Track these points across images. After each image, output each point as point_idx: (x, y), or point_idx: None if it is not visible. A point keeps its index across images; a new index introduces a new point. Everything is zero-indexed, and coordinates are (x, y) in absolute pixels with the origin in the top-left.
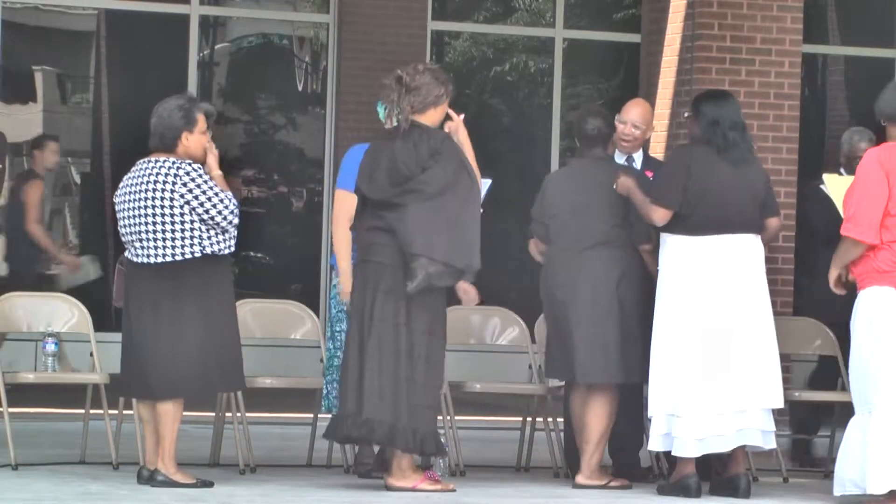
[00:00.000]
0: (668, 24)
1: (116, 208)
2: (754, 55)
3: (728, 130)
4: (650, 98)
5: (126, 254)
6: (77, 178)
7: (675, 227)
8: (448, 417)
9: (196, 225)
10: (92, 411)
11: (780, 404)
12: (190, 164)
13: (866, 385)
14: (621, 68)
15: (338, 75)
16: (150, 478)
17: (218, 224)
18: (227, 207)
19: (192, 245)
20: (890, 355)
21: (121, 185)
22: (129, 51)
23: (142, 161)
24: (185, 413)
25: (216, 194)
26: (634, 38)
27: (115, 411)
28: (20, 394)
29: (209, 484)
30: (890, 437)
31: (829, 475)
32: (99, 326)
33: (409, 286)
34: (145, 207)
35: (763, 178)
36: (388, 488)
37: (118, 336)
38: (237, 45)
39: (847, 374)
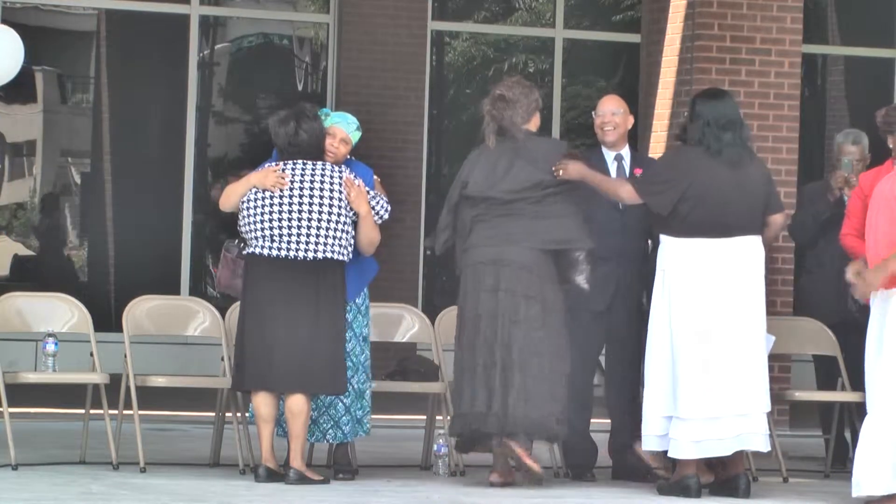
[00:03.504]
0: (668, 24)
1: (254, 204)
2: (754, 55)
3: (720, 131)
4: (650, 98)
5: (256, 249)
6: (77, 178)
7: (672, 228)
8: (448, 417)
9: (351, 229)
10: (92, 411)
11: (768, 408)
12: (351, 171)
13: (885, 386)
14: (621, 68)
15: (338, 75)
16: (269, 475)
17: (383, 217)
18: (386, 202)
19: (346, 247)
20: None
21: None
22: (129, 51)
23: (291, 163)
24: (184, 413)
25: (378, 194)
26: (634, 38)
27: (115, 411)
28: (20, 394)
29: (327, 481)
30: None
31: (829, 475)
32: (99, 326)
33: (580, 280)
34: (319, 205)
35: (763, 176)
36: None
37: (118, 336)
38: (237, 45)
39: (846, 374)
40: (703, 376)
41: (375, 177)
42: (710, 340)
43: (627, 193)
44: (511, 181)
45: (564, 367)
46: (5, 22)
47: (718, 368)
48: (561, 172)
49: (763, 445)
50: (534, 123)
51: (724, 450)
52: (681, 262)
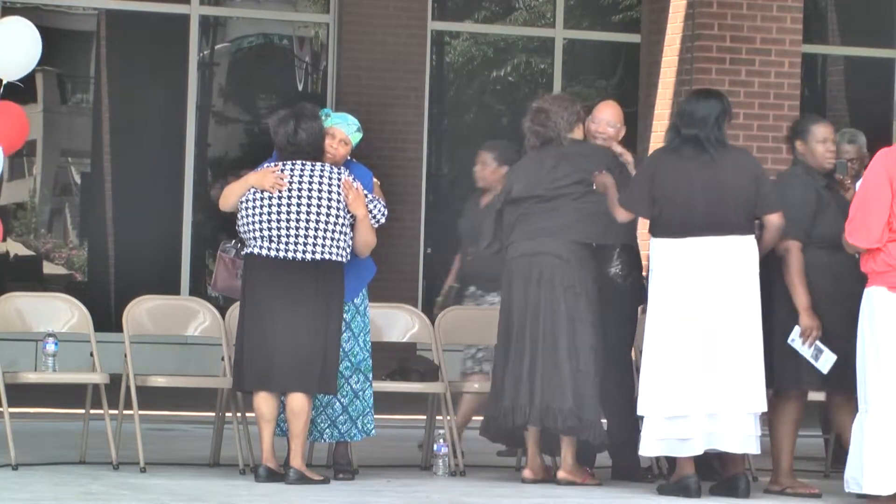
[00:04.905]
0: (668, 24)
1: (252, 204)
2: (754, 55)
3: (683, 127)
4: (650, 98)
5: (255, 250)
6: (77, 178)
7: (652, 229)
8: (448, 417)
9: (350, 231)
10: (92, 411)
11: (763, 408)
12: (350, 173)
13: (864, 384)
14: (621, 68)
15: (338, 75)
16: (269, 475)
17: (380, 221)
18: (384, 206)
19: (345, 248)
20: (885, 354)
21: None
22: (129, 51)
23: (290, 163)
24: (184, 413)
25: (376, 197)
26: (634, 38)
27: (115, 411)
28: (20, 394)
29: (327, 481)
30: (887, 438)
31: (829, 475)
32: (99, 326)
33: (614, 274)
34: (318, 206)
35: (746, 175)
36: (559, 482)
37: (118, 336)
38: (237, 45)
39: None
40: (670, 375)
41: (375, 180)
42: (684, 340)
43: (621, 216)
44: (554, 178)
45: (597, 363)
46: None
47: (692, 368)
48: (595, 185)
49: (737, 446)
50: (577, 134)
51: (691, 449)
52: (658, 261)
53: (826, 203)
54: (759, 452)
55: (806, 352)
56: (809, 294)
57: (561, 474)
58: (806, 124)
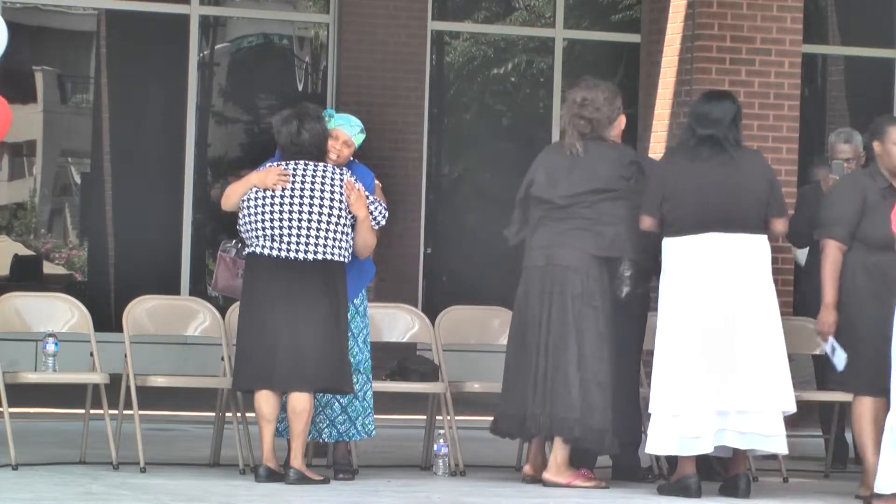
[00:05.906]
0: (668, 24)
1: (253, 203)
2: (754, 55)
3: (699, 128)
4: (650, 98)
5: (256, 249)
6: (77, 178)
7: (666, 228)
8: (448, 417)
9: (350, 231)
10: (92, 411)
11: (787, 407)
12: (351, 173)
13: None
14: (621, 68)
15: (338, 75)
16: (269, 475)
17: (380, 223)
18: (384, 208)
19: (346, 248)
20: None
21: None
22: (129, 51)
23: (293, 163)
24: (184, 413)
25: (377, 199)
26: (634, 38)
27: (115, 411)
28: (20, 394)
29: (327, 481)
30: None
31: (829, 475)
32: (99, 326)
33: (617, 288)
34: (320, 206)
35: (761, 175)
36: (545, 483)
37: (118, 336)
38: (237, 45)
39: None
40: (680, 373)
41: (376, 181)
42: (694, 337)
43: (645, 224)
44: (568, 185)
45: (607, 373)
46: (5, 22)
47: (702, 366)
48: None
49: (739, 442)
50: (617, 127)
51: (700, 447)
52: (671, 259)
53: (873, 205)
54: (786, 452)
55: (825, 347)
56: (857, 293)
57: (546, 476)
58: (883, 125)
